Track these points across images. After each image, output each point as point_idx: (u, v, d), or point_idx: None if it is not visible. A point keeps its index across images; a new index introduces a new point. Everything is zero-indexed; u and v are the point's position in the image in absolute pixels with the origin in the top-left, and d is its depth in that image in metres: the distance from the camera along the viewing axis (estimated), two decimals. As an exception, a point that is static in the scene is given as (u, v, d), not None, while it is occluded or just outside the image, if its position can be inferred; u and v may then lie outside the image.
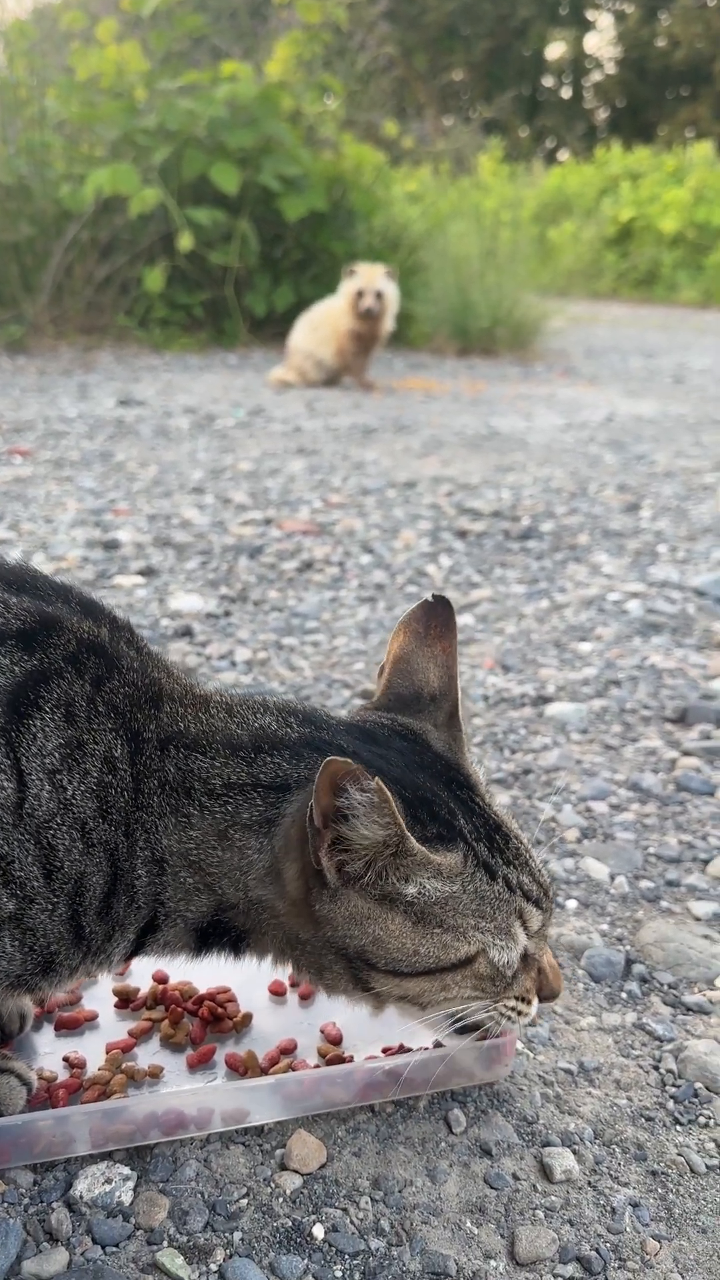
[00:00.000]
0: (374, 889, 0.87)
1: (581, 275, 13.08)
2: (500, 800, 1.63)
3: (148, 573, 2.65)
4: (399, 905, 0.88)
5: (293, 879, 0.88)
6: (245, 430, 4.61)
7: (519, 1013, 0.94)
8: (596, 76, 29.17)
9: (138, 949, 0.93)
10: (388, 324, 5.82)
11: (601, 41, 29.29)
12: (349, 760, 0.80)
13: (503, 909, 0.91)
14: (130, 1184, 0.93)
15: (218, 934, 0.93)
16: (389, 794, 0.82)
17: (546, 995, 0.97)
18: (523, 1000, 0.94)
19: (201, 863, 0.90)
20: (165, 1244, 0.88)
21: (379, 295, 5.59)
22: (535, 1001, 0.96)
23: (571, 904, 1.38)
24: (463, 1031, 0.95)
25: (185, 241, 6.57)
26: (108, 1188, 0.93)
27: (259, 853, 0.89)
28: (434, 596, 1.03)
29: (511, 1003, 0.94)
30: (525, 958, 0.94)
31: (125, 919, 0.90)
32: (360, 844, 0.85)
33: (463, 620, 2.43)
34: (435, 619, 1.03)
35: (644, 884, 1.43)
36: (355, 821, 0.84)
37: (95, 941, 0.90)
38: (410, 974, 0.89)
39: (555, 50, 28.89)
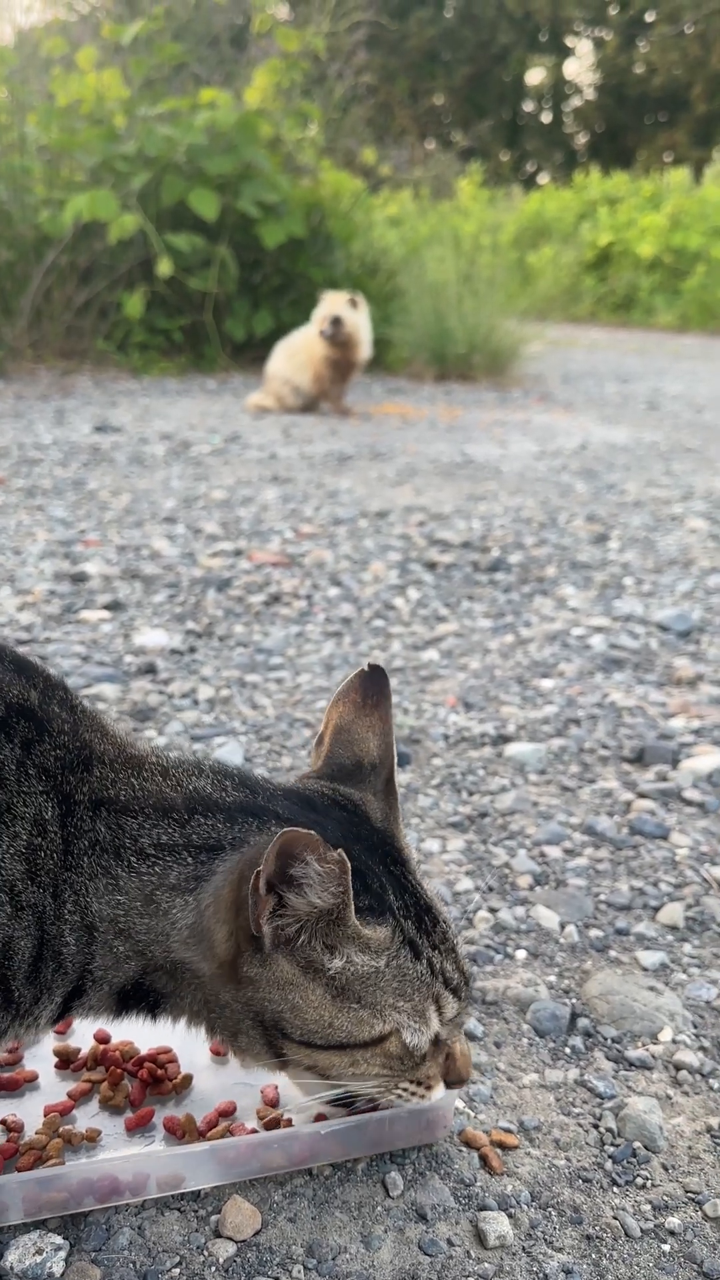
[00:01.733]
0: (302, 955, 0.88)
1: (560, 299, 13.18)
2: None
3: (114, 607, 2.65)
4: (322, 976, 0.88)
5: (222, 940, 0.89)
6: (220, 457, 4.62)
7: (417, 1096, 0.95)
8: (576, 102, 29.50)
9: (64, 1013, 0.93)
10: (364, 351, 5.85)
11: (580, 68, 29.65)
12: (311, 832, 0.81)
13: (421, 991, 0.91)
14: (62, 1254, 0.93)
15: (138, 997, 0.93)
16: (349, 867, 0.83)
17: (453, 1081, 0.97)
18: (422, 1085, 0.95)
19: (130, 929, 0.90)
20: (94, 1317, 0.88)
21: (336, 320, 5.59)
22: (439, 1088, 0.96)
23: (521, 954, 1.38)
24: (348, 1103, 0.96)
25: (164, 267, 6.60)
26: (39, 1258, 0.92)
27: (183, 911, 0.90)
28: (370, 666, 1.05)
29: (411, 1085, 0.94)
30: (436, 1042, 0.94)
31: (53, 984, 0.90)
32: (303, 911, 0.86)
33: (427, 656, 2.44)
34: (372, 688, 1.05)
35: (593, 933, 1.43)
36: (306, 890, 0.85)
37: (24, 1005, 0.90)
38: (322, 1046, 0.90)
39: (535, 76, 29.21)
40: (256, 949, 0.88)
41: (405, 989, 0.90)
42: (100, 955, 0.90)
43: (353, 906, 0.87)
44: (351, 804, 0.98)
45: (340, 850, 0.83)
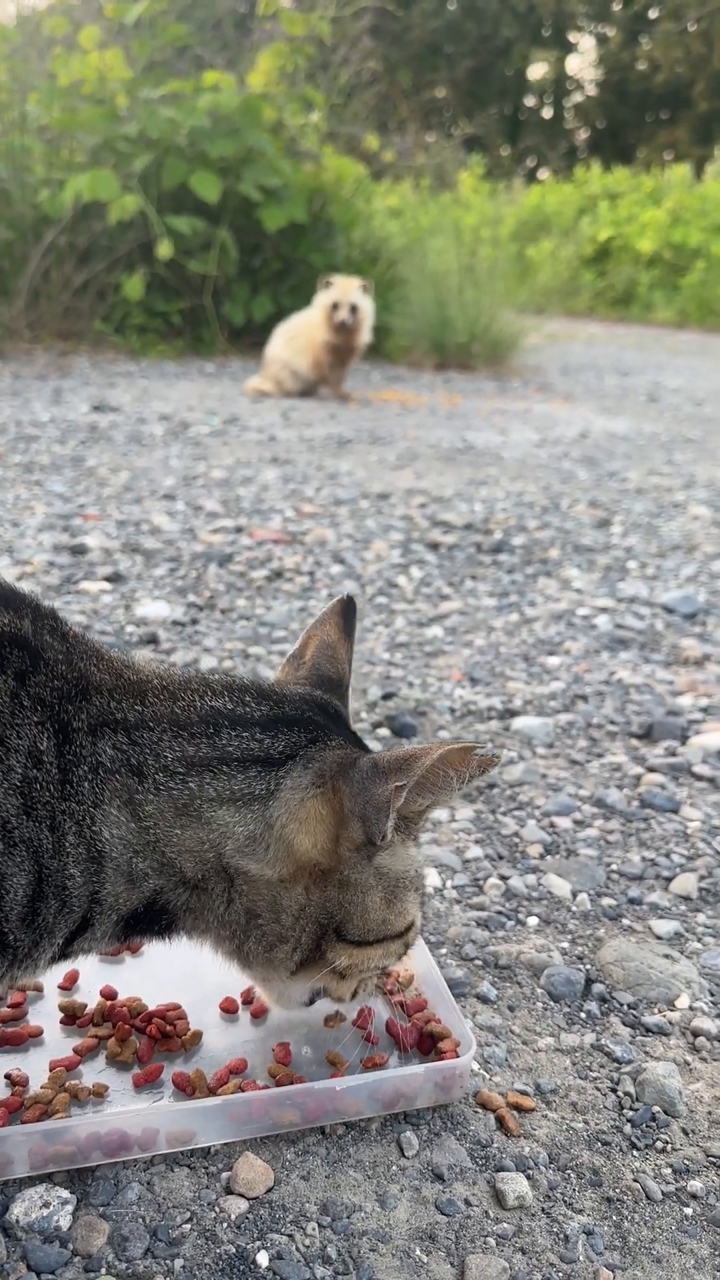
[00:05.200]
0: (398, 850, 0.94)
1: (559, 293, 13.16)
2: (462, 813, 1.62)
3: (115, 579, 2.62)
4: (395, 872, 0.95)
5: (307, 849, 0.90)
6: (219, 439, 4.58)
7: (380, 985, 1.02)
8: (577, 98, 29.45)
9: (65, 953, 0.90)
10: (364, 337, 5.82)
11: (583, 63, 29.61)
12: (476, 744, 0.90)
13: (421, 874, 0.99)
14: (69, 1208, 0.90)
15: (149, 919, 0.91)
16: (500, 758, 0.95)
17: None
18: (385, 973, 1.02)
19: (155, 844, 0.88)
20: (103, 1271, 0.85)
21: (354, 308, 5.59)
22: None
23: (533, 921, 1.36)
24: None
25: (164, 249, 6.55)
26: (45, 1211, 0.89)
27: (241, 823, 0.90)
28: (348, 596, 1.12)
29: (380, 978, 1.01)
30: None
31: (55, 925, 0.87)
32: (415, 811, 0.94)
33: (432, 632, 2.42)
34: (349, 618, 1.12)
35: (606, 901, 1.41)
36: (428, 792, 0.92)
37: (21, 949, 0.86)
38: (372, 941, 0.95)
39: (537, 71, 29.15)
40: (364, 855, 0.92)
41: (419, 875, 0.99)
42: (111, 882, 0.87)
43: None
44: (339, 713, 1.01)
45: (498, 751, 0.89)
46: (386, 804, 0.88)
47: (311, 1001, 1.03)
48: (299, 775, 0.91)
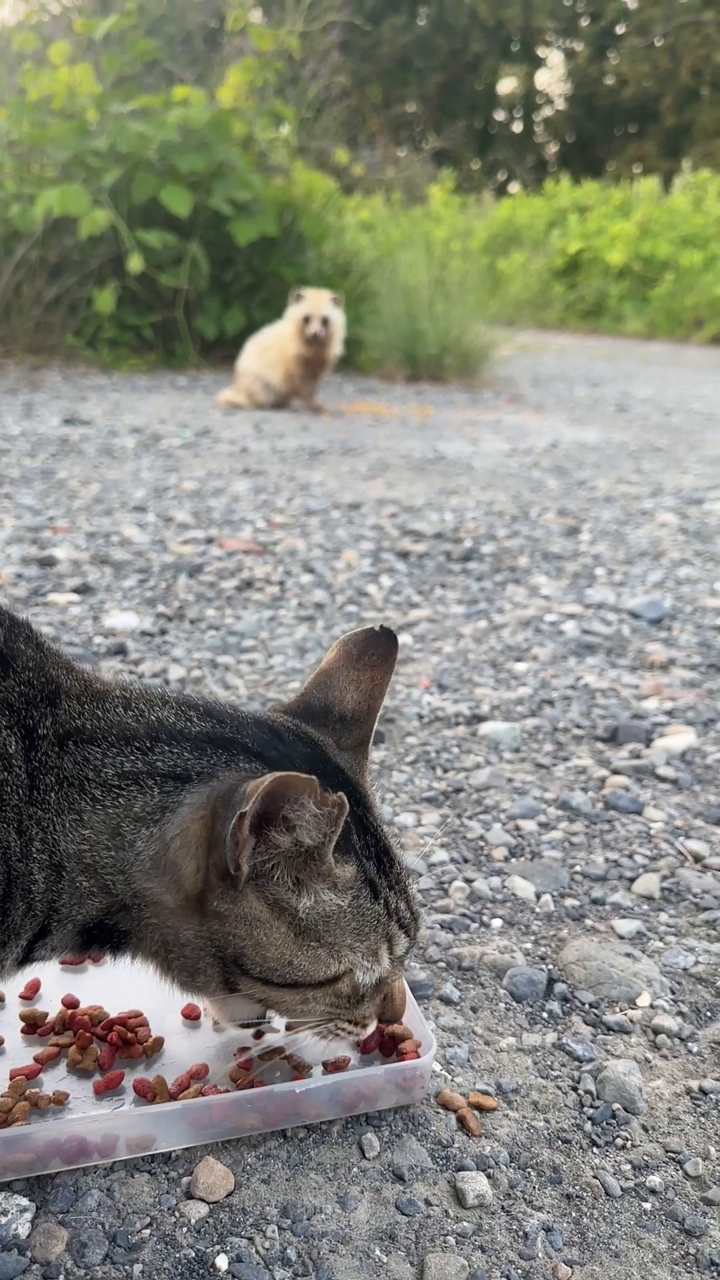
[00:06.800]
0: (272, 892, 0.86)
1: (530, 305, 13.25)
2: (428, 818, 1.62)
3: (83, 590, 2.61)
4: (289, 913, 0.87)
5: (190, 874, 0.86)
6: (191, 451, 4.59)
7: (351, 1034, 0.95)
8: (547, 112, 29.71)
9: (27, 958, 0.90)
10: (335, 349, 5.85)
11: (552, 78, 29.89)
12: (309, 776, 0.80)
13: (377, 930, 0.91)
14: (28, 1215, 0.90)
15: (101, 936, 0.91)
16: (346, 810, 0.83)
17: (388, 1018, 0.98)
18: (358, 1023, 0.95)
19: (95, 864, 0.87)
20: (61, 1278, 0.85)
21: (325, 321, 5.62)
22: (372, 1025, 0.96)
23: (496, 923, 1.37)
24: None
25: (135, 263, 6.55)
26: (3, 1219, 0.89)
27: (146, 842, 0.87)
28: (381, 628, 1.03)
29: (348, 1024, 0.94)
30: (380, 982, 0.94)
31: (20, 927, 0.87)
32: (286, 849, 0.85)
33: (401, 639, 2.41)
34: (374, 648, 1.03)
35: (569, 902, 1.42)
36: (296, 829, 0.84)
37: None
38: (279, 984, 0.89)
39: (506, 85, 29.39)
40: (228, 885, 0.85)
41: (363, 928, 0.90)
42: (66, 893, 0.87)
43: (334, 845, 0.86)
44: (313, 741, 0.96)
45: (340, 794, 0.82)
46: (234, 830, 0.81)
47: (262, 1016, 1.01)
48: (196, 794, 0.87)
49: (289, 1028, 0.99)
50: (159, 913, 0.88)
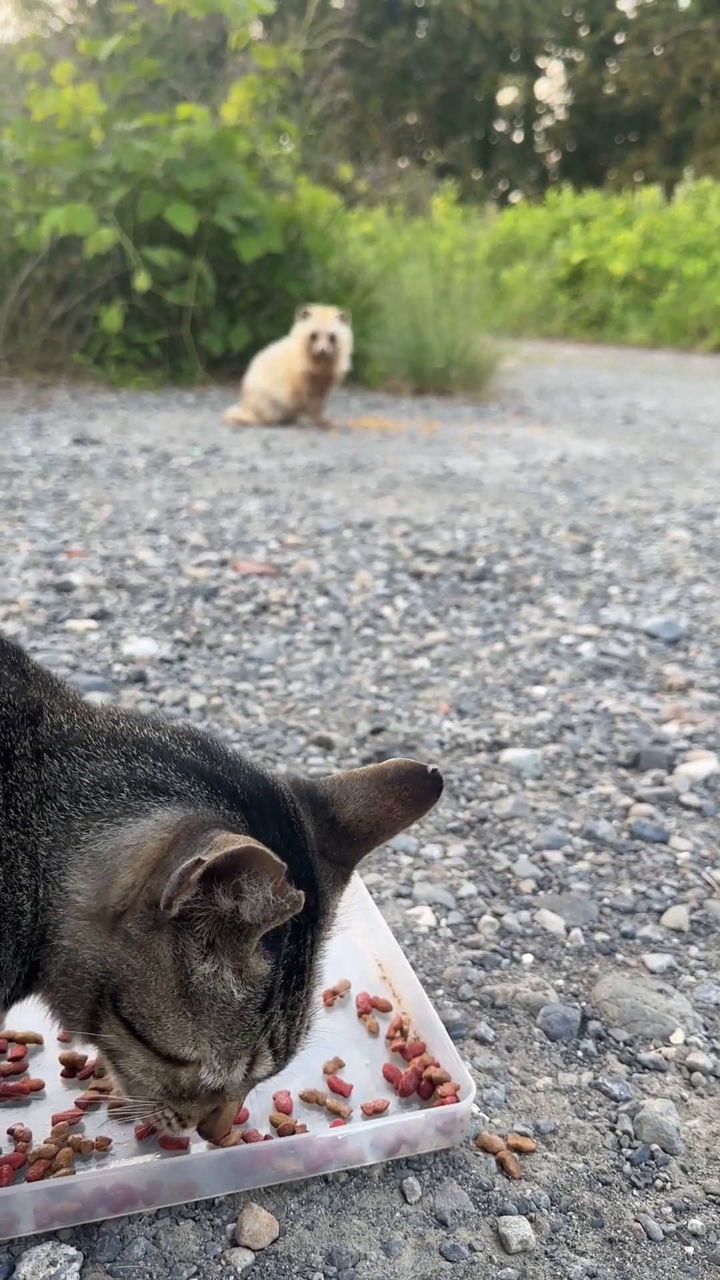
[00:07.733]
0: (184, 943, 0.83)
1: (534, 316, 13.29)
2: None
3: (101, 616, 2.63)
4: (184, 970, 0.83)
5: (123, 887, 0.83)
6: (201, 470, 4.60)
7: (169, 1125, 0.91)
8: (547, 122, 29.83)
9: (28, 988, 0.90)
10: (342, 365, 5.87)
11: (552, 88, 29.99)
12: (281, 862, 0.78)
13: (246, 1038, 0.86)
14: (76, 1265, 0.90)
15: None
16: (300, 909, 0.81)
17: (205, 1132, 0.93)
18: (180, 1119, 0.90)
19: (48, 865, 0.86)
20: (111, 1330, 0.86)
21: (332, 338, 5.65)
22: (190, 1130, 0.92)
23: (527, 958, 1.37)
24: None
25: (142, 281, 6.59)
26: (53, 1270, 0.90)
27: (95, 835, 0.86)
28: (432, 770, 0.97)
29: (171, 1114, 0.90)
30: (221, 1090, 0.89)
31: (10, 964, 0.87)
32: (222, 912, 0.81)
33: (418, 664, 2.43)
34: (413, 784, 0.97)
35: (599, 936, 1.43)
36: (242, 899, 0.80)
37: None
38: (137, 1036, 0.85)
39: (507, 96, 29.52)
40: (151, 914, 0.82)
41: (235, 1029, 0.85)
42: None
43: (265, 933, 0.83)
44: (300, 826, 0.92)
45: (302, 893, 0.79)
46: (185, 871, 0.77)
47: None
48: (168, 812, 0.85)
49: (114, 1105, 0.99)
50: (70, 920, 0.85)
